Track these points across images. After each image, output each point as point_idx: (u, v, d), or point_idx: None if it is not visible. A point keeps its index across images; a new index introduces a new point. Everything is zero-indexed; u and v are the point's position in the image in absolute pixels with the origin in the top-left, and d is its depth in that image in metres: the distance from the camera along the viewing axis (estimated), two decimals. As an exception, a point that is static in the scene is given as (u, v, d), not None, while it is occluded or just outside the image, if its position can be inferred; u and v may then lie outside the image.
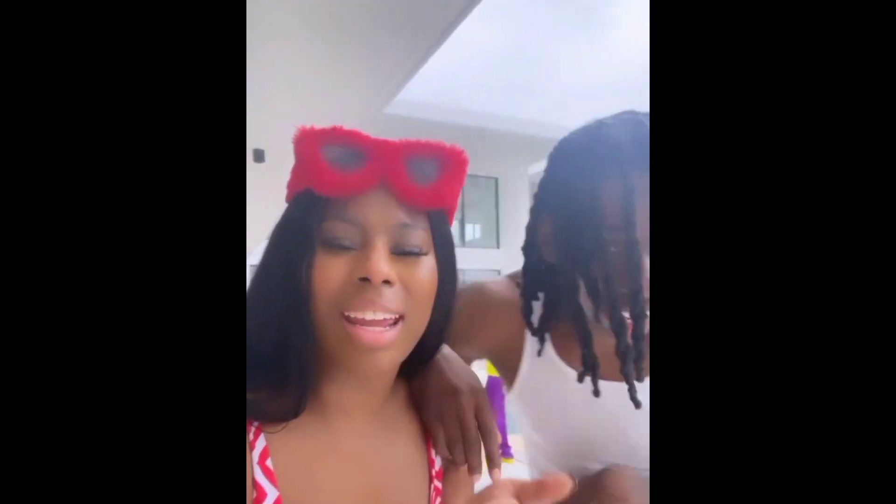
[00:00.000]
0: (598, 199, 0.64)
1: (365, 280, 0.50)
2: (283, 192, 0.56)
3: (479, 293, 0.84)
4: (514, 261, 0.82)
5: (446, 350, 0.66)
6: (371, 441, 0.59)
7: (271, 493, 0.52)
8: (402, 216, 0.53)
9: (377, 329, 0.51)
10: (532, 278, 0.80)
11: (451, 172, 0.55)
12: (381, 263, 0.50)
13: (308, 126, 0.53)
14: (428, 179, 0.54)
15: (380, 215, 0.52)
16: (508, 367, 0.81)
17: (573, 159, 0.71)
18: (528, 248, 0.79)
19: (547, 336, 0.79)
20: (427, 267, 0.54)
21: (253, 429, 0.53)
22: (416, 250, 0.54)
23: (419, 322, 0.55)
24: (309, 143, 0.52)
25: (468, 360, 0.87)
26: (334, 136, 0.52)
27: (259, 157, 4.12)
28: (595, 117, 0.77)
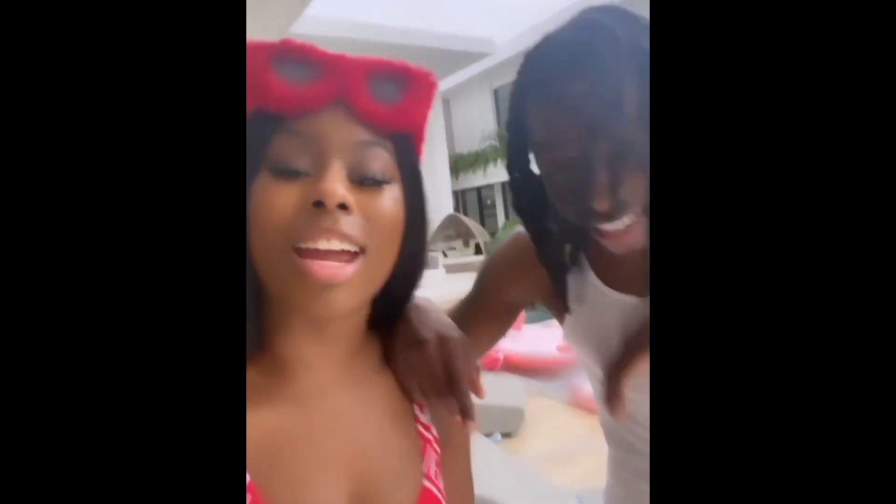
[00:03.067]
0: (609, 101, 0.56)
1: (319, 205, 0.44)
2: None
3: (525, 238, 0.79)
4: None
5: (422, 301, 0.62)
6: (343, 398, 0.52)
7: None
8: (362, 134, 0.48)
9: (333, 263, 0.45)
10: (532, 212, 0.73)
11: (417, 94, 0.50)
12: (336, 184, 0.44)
13: (255, 39, 0.47)
14: (392, 99, 0.49)
15: (337, 131, 0.47)
16: (558, 304, 0.80)
17: (566, 57, 0.60)
18: (518, 176, 0.71)
19: (585, 263, 0.77)
20: (391, 197, 0.49)
21: None
22: (379, 177, 0.48)
23: (382, 261, 0.49)
24: (256, 58, 0.46)
25: (520, 306, 0.87)
26: (284, 49, 0.47)
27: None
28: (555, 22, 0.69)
